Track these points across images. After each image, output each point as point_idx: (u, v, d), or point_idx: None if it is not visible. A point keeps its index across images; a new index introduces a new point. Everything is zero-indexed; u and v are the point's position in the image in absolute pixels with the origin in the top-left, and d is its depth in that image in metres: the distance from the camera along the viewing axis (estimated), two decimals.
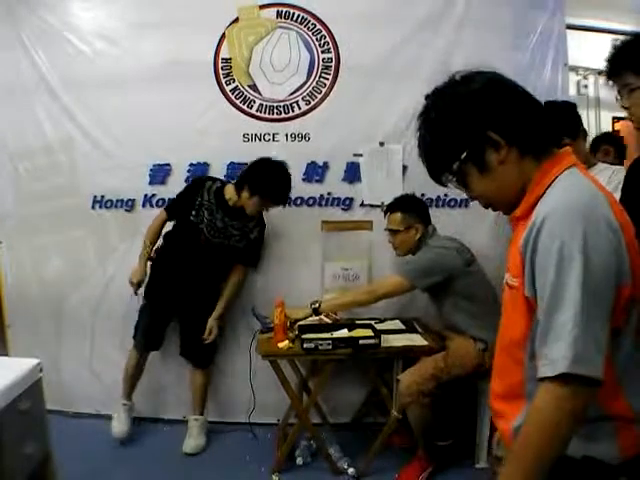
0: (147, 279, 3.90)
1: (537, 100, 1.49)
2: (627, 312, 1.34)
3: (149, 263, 3.91)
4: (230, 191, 3.78)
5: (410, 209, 3.55)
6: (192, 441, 3.92)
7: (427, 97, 1.53)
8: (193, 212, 3.78)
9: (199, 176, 3.97)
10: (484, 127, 1.42)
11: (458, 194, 3.80)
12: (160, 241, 3.93)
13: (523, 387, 1.45)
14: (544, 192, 1.42)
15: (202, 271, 3.84)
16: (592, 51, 3.94)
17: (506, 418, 1.51)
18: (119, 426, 3.95)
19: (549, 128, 1.49)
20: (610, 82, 1.98)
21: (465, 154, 1.44)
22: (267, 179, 3.62)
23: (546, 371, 1.28)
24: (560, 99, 3.65)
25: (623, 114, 2.06)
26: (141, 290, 3.88)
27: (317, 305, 3.48)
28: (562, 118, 2.93)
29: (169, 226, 3.92)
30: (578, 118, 3.17)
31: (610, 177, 2.94)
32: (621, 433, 1.37)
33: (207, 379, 4.07)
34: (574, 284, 1.26)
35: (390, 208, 3.64)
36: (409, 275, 3.39)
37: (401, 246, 3.61)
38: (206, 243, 3.79)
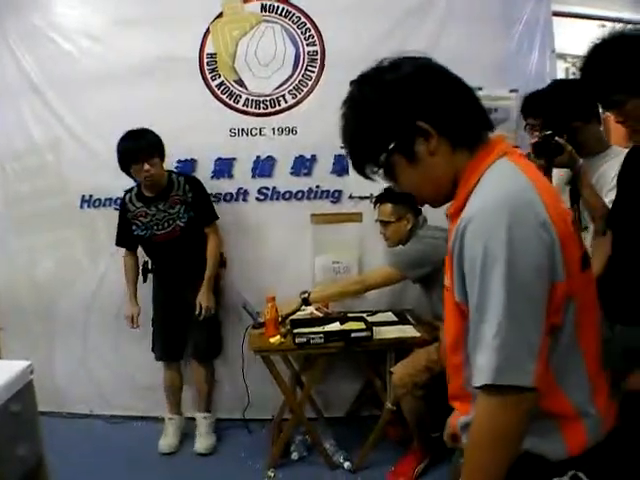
0: (151, 292, 3.99)
1: (469, 87, 1.40)
2: (564, 309, 1.28)
3: (150, 275, 3.98)
4: (142, 186, 3.79)
5: (400, 200, 3.52)
6: (203, 440, 3.89)
7: (352, 83, 1.43)
8: (133, 227, 3.81)
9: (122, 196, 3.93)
10: (413, 116, 1.32)
11: None
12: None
13: (465, 389, 1.39)
14: (473, 188, 1.34)
15: (183, 263, 3.85)
16: (580, 38, 3.93)
17: (459, 414, 1.49)
18: (165, 440, 3.91)
19: (481, 117, 1.41)
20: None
21: (393, 144, 1.35)
22: (117, 150, 3.63)
23: (474, 380, 1.25)
24: None
25: None
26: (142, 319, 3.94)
27: (307, 295, 3.48)
28: (573, 99, 2.76)
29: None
30: (592, 99, 2.82)
31: None
32: (566, 429, 1.32)
33: (212, 375, 4.05)
34: (498, 288, 1.20)
35: (380, 199, 3.62)
36: (399, 266, 3.39)
37: (392, 237, 3.59)
38: (163, 238, 3.78)
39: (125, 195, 3.85)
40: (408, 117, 1.33)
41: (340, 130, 1.44)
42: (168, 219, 3.76)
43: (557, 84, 3.24)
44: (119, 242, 3.93)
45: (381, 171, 1.42)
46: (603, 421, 1.36)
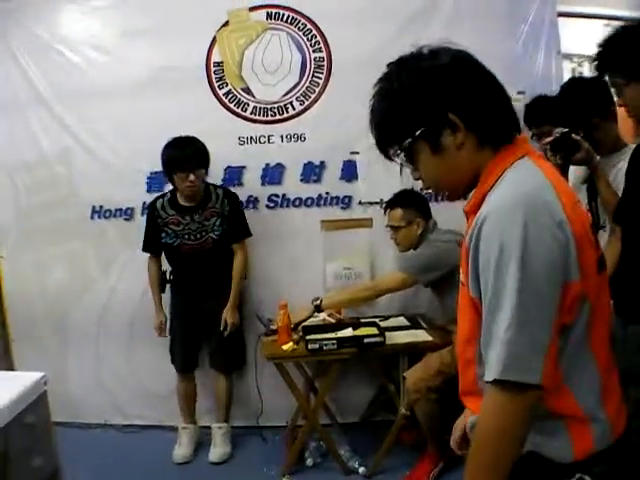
0: (169, 301, 3.97)
1: (501, 85, 1.39)
2: (577, 309, 1.27)
3: (168, 285, 3.97)
4: (178, 194, 3.77)
5: (410, 204, 3.53)
6: (218, 449, 3.88)
7: (389, 65, 1.41)
8: (163, 234, 3.78)
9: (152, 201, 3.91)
10: (445, 107, 1.31)
11: None
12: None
13: (476, 385, 1.38)
14: (492, 187, 1.34)
15: (209, 275, 3.82)
16: (586, 37, 3.92)
17: (470, 412, 1.48)
18: (180, 450, 3.91)
19: (511, 117, 1.39)
20: None
21: (420, 132, 1.34)
22: (162, 156, 3.63)
23: (485, 376, 1.24)
24: (555, 87, 3.62)
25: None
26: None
27: (319, 302, 3.48)
28: (591, 95, 2.74)
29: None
30: (610, 96, 2.75)
31: None
32: (573, 431, 1.31)
33: (231, 385, 4.01)
34: (511, 286, 1.19)
35: (390, 204, 3.62)
36: (410, 271, 3.39)
37: (403, 241, 3.59)
38: (192, 248, 3.77)
39: (156, 201, 3.83)
40: (438, 107, 1.32)
41: (369, 108, 1.43)
42: (201, 230, 3.74)
43: (573, 82, 3.23)
44: (146, 248, 3.90)
45: (402, 155, 1.41)
46: (613, 426, 1.35)
